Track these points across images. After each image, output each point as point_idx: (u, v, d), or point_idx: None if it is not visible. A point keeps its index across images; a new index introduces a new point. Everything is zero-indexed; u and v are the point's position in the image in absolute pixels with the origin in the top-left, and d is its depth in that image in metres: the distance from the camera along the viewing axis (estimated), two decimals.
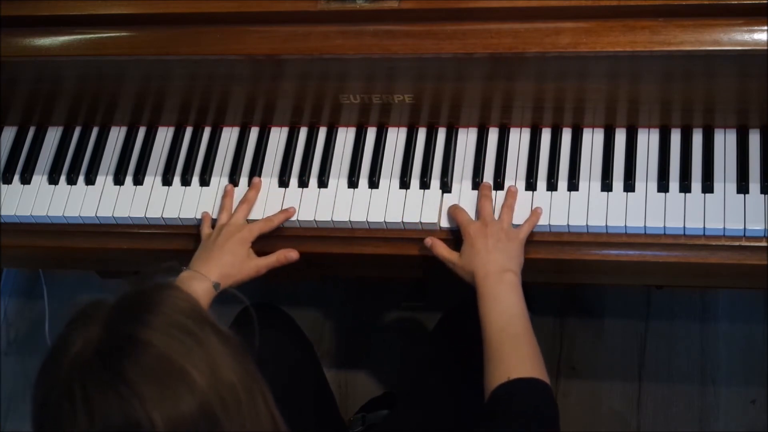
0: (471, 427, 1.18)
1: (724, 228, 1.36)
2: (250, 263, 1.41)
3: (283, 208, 1.49)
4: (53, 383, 0.87)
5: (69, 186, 1.58)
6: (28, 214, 1.56)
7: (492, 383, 1.21)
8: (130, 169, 1.57)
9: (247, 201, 1.48)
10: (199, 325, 0.90)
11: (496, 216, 1.40)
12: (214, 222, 1.49)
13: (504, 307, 1.27)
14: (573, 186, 1.43)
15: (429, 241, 1.42)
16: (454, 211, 1.42)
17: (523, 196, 1.44)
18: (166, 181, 1.55)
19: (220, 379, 0.88)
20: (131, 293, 0.93)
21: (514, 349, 1.24)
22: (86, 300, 0.93)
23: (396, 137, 1.52)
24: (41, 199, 1.57)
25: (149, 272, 0.96)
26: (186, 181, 1.55)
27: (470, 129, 1.50)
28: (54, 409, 0.87)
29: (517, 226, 1.40)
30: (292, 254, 1.44)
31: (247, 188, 1.51)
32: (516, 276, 1.31)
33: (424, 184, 1.47)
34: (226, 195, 1.50)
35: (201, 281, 1.35)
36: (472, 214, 1.42)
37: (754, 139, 1.41)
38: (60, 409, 0.86)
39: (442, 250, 1.40)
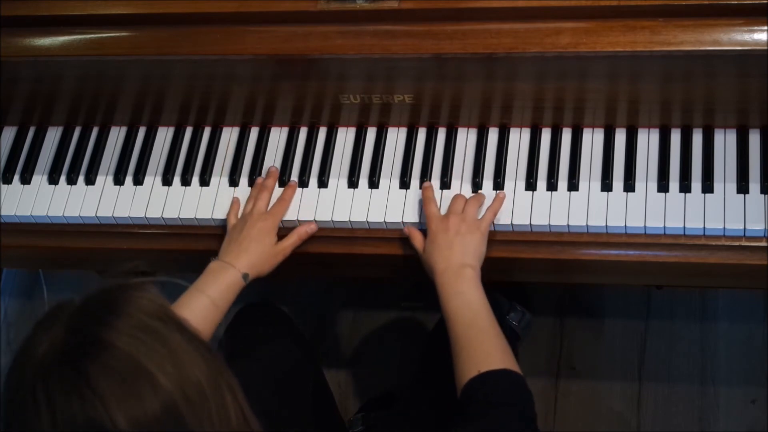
0: (448, 426, 1.18)
1: (724, 228, 1.36)
2: (276, 250, 1.43)
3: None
4: (19, 384, 0.88)
5: (69, 186, 1.58)
6: (28, 214, 1.56)
7: (463, 378, 1.21)
8: (130, 169, 1.57)
9: (267, 188, 1.48)
10: (164, 325, 0.90)
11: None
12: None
13: (467, 302, 1.28)
14: (573, 186, 1.43)
15: (407, 230, 1.43)
16: (425, 201, 1.42)
17: (523, 196, 1.44)
18: (166, 181, 1.55)
19: (186, 377, 0.88)
20: (96, 294, 0.92)
21: (481, 343, 1.24)
22: (56, 300, 0.93)
23: (396, 137, 1.52)
24: (41, 199, 1.57)
25: (115, 272, 0.96)
26: (186, 181, 1.54)
27: (470, 129, 1.50)
28: (19, 409, 0.87)
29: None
30: (311, 227, 1.46)
31: (249, 188, 1.51)
32: (474, 271, 1.31)
33: None
34: (255, 186, 1.50)
35: (229, 272, 1.37)
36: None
37: (754, 139, 1.41)
38: (24, 410, 0.86)
39: (417, 241, 1.41)
